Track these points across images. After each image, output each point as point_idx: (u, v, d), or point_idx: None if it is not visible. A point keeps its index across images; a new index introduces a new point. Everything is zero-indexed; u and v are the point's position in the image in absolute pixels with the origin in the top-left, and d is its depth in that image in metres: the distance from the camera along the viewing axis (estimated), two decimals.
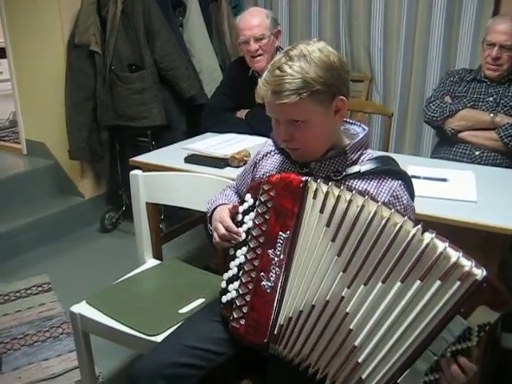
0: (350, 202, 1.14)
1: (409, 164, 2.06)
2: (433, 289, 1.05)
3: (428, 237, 1.07)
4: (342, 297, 1.14)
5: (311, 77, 1.17)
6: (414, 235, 1.07)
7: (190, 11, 3.38)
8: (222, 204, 1.47)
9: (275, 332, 1.21)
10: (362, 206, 1.12)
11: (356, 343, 1.12)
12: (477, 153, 2.47)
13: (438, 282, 1.05)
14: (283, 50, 1.25)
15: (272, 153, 1.44)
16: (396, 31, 3.38)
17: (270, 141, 1.46)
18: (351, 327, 1.13)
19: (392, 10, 3.35)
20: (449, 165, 2.21)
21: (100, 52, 3.16)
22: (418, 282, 1.06)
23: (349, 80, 1.27)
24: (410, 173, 1.94)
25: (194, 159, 2.19)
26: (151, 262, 2.03)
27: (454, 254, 1.05)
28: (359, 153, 1.31)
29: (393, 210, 1.10)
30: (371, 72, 3.57)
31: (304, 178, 1.21)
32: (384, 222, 1.09)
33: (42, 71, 3.47)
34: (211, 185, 1.82)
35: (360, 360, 1.12)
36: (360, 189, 1.27)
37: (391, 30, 3.40)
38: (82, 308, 1.73)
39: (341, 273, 1.14)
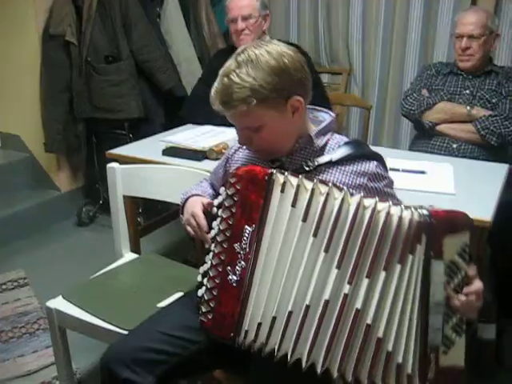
0: (327, 195, 1.12)
1: (387, 157, 2.04)
2: (406, 257, 1.08)
3: (407, 217, 1.08)
4: (346, 294, 1.11)
5: (259, 84, 1.17)
6: (400, 218, 1.08)
7: (167, 2, 3.34)
8: (196, 195, 1.45)
9: (245, 327, 1.19)
10: (342, 200, 1.11)
11: (379, 335, 1.10)
12: (454, 145, 2.49)
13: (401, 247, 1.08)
14: (234, 54, 1.24)
15: (244, 147, 1.42)
16: (374, 24, 3.39)
17: (233, 140, 1.45)
18: (368, 322, 1.10)
19: (370, 4, 3.37)
20: (427, 157, 2.23)
21: (76, 43, 3.10)
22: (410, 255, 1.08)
23: (307, 78, 1.25)
24: (388, 166, 1.97)
25: (171, 152, 2.16)
26: (129, 256, 2.01)
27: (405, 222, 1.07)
28: (325, 138, 1.31)
29: (376, 199, 1.10)
30: (350, 65, 3.58)
31: (269, 171, 1.19)
32: (370, 212, 1.09)
33: (15, 62, 3.39)
34: (189, 177, 1.80)
35: (390, 349, 1.10)
36: (335, 178, 1.27)
37: (370, 22, 3.42)
38: (58, 303, 1.70)
39: (335, 270, 1.12)
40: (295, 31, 3.72)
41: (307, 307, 1.14)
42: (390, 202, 1.10)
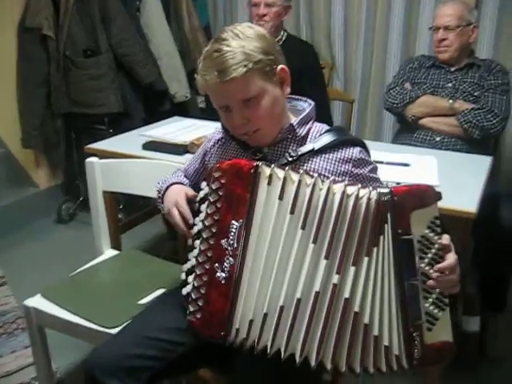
0: (313, 186, 1.11)
1: (371, 149, 2.03)
2: (378, 238, 1.10)
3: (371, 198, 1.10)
4: (335, 284, 1.11)
5: (250, 48, 1.18)
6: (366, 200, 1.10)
7: None
8: (177, 183, 1.42)
9: (236, 325, 1.17)
10: (328, 189, 1.11)
11: (366, 321, 1.11)
12: (437, 139, 2.49)
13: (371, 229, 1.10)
14: (212, 40, 1.24)
15: (223, 139, 1.39)
16: (356, 18, 3.39)
17: (219, 127, 1.41)
18: (356, 310, 1.11)
19: None
20: (410, 150, 2.22)
21: (53, 36, 3.05)
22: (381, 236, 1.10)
23: (281, 53, 1.28)
24: (372, 158, 1.96)
25: (152, 146, 2.13)
26: (109, 253, 1.96)
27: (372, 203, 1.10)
28: (307, 127, 1.30)
29: (359, 186, 1.12)
30: (332, 59, 3.57)
31: (255, 164, 1.17)
32: (353, 199, 1.10)
33: None
34: (170, 171, 1.75)
35: (376, 333, 1.11)
36: (319, 166, 1.26)
37: (351, 16, 3.41)
38: (37, 301, 1.66)
39: (324, 260, 1.11)
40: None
41: (298, 301, 1.13)
42: (359, 186, 1.12)
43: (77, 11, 3.01)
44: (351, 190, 1.11)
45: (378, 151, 2.04)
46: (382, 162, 1.91)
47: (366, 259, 1.10)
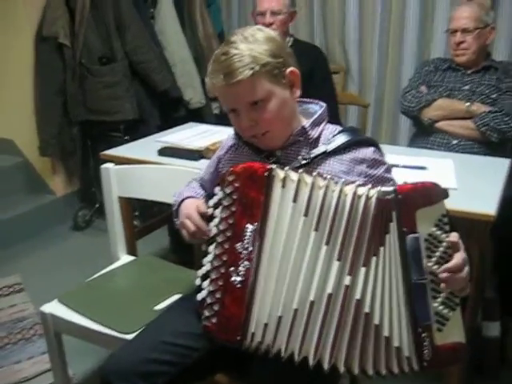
0: (326, 188, 1.11)
1: (386, 153, 2.02)
2: (384, 237, 1.09)
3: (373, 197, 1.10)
4: (347, 286, 1.10)
5: (258, 51, 1.17)
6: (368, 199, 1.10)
7: (161, 2, 3.32)
8: (190, 197, 1.42)
9: (252, 329, 1.15)
10: (340, 191, 1.11)
11: (376, 322, 1.10)
12: (454, 142, 2.46)
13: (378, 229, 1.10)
14: (225, 41, 1.23)
15: (236, 145, 1.39)
16: (371, 22, 3.37)
17: (231, 134, 1.41)
18: (367, 310, 1.10)
19: (367, 1, 3.34)
20: (427, 153, 2.20)
21: (69, 45, 3.08)
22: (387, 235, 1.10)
23: (292, 55, 1.27)
24: (388, 162, 1.94)
25: (167, 152, 2.13)
26: (125, 259, 1.97)
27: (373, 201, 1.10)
28: (320, 128, 1.29)
29: (369, 186, 1.11)
30: (346, 63, 3.56)
31: (269, 166, 1.16)
32: (364, 199, 1.10)
33: (8, 65, 3.35)
34: (186, 177, 1.75)
35: (387, 334, 1.10)
36: (333, 168, 1.25)
37: (366, 21, 3.40)
38: (54, 307, 1.66)
39: (336, 262, 1.11)
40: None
41: (312, 303, 1.12)
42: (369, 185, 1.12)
43: (92, 19, 3.04)
44: (361, 190, 1.11)
45: (395, 155, 2.02)
46: (398, 166, 1.89)
47: (374, 259, 1.10)
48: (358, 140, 1.27)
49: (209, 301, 1.21)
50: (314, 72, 2.43)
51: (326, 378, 1.23)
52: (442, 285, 1.09)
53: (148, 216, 3.01)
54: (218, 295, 1.19)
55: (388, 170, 1.30)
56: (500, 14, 2.91)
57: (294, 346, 1.13)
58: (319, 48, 2.91)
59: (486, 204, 1.61)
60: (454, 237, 1.10)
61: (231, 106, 1.23)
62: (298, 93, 1.27)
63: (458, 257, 1.10)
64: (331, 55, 3.61)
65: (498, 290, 2.04)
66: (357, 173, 1.24)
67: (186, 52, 3.40)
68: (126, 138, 3.16)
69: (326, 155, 1.26)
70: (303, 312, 1.12)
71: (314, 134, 1.28)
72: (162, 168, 1.91)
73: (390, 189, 1.10)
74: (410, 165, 1.92)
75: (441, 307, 1.11)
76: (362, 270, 1.10)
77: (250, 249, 1.15)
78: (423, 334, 1.10)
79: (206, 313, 1.21)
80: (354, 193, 1.10)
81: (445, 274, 1.08)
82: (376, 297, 1.10)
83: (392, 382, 1.94)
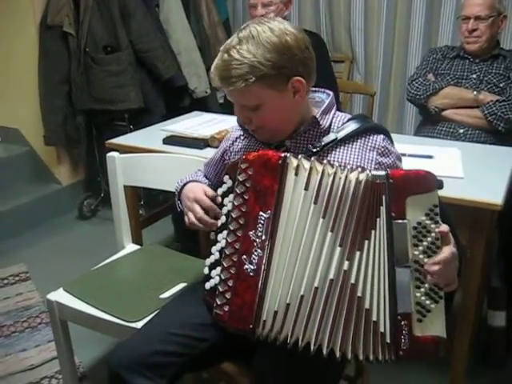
0: (334, 175, 1.12)
1: (393, 141, 2.02)
2: (375, 221, 1.10)
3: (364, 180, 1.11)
4: (345, 271, 1.11)
5: (258, 60, 1.13)
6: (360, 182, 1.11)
7: None
8: (194, 181, 1.41)
9: (263, 317, 1.15)
10: (346, 178, 1.11)
11: (367, 306, 1.11)
12: (461, 131, 2.45)
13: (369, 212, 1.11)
14: (237, 30, 1.20)
15: (242, 137, 1.39)
16: (377, 10, 3.35)
17: (236, 125, 1.40)
18: (359, 294, 1.11)
19: None
20: (434, 142, 2.19)
21: (74, 33, 3.06)
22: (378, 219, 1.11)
23: (310, 59, 1.21)
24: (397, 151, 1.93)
25: (172, 140, 2.12)
26: (131, 248, 1.97)
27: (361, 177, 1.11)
28: (330, 117, 1.28)
29: (367, 171, 1.12)
30: (352, 52, 3.54)
31: (283, 154, 1.16)
32: (363, 186, 1.11)
33: (13, 54, 3.35)
34: (191, 166, 1.75)
35: (375, 318, 1.11)
36: (344, 156, 1.24)
37: (372, 9, 3.37)
38: (59, 295, 1.67)
39: (338, 248, 1.11)
40: (296, 19, 3.66)
41: (316, 289, 1.12)
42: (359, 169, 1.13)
43: (97, 8, 3.02)
44: (362, 176, 1.11)
45: (401, 143, 1.99)
46: (405, 155, 1.87)
47: (366, 243, 1.10)
48: (367, 127, 1.27)
49: (220, 289, 1.20)
50: None
51: (330, 368, 1.24)
52: (428, 277, 1.08)
53: (153, 205, 3.01)
54: (230, 283, 1.19)
55: (399, 159, 1.29)
56: (509, 2, 2.87)
57: (299, 332, 1.13)
58: (318, 35, 2.88)
59: (493, 193, 1.60)
60: (444, 228, 1.09)
61: (230, 99, 1.25)
62: (302, 99, 1.23)
63: (447, 250, 1.09)
64: (337, 44, 3.59)
65: (504, 279, 2.04)
66: (368, 160, 1.24)
67: (191, 41, 3.38)
68: (130, 126, 3.16)
69: (337, 143, 1.25)
70: (308, 298, 1.13)
71: (324, 123, 1.27)
72: (167, 157, 1.91)
73: (382, 173, 1.10)
74: (417, 154, 1.90)
75: (423, 298, 1.10)
76: (357, 254, 1.11)
77: (264, 237, 1.15)
78: (402, 322, 1.10)
79: (218, 301, 1.20)
80: (357, 179, 1.11)
81: (432, 267, 1.08)
82: (367, 281, 1.11)
83: (398, 367, 1.96)
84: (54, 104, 3.20)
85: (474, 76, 2.47)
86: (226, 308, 1.19)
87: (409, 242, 1.09)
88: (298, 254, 1.13)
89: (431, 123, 2.55)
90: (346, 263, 1.11)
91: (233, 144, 1.40)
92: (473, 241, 1.65)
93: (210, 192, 1.30)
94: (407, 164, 1.79)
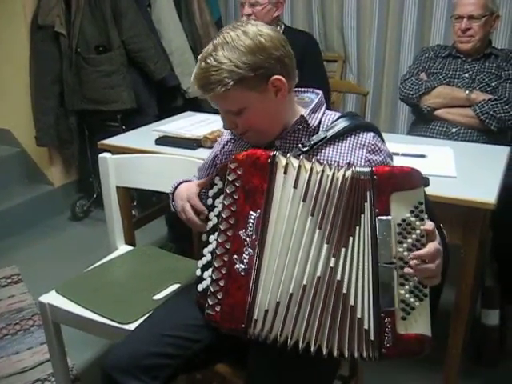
0: (322, 173, 1.12)
1: (386, 141, 2.01)
2: (359, 217, 1.11)
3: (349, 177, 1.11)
4: (331, 268, 1.11)
5: (235, 64, 1.14)
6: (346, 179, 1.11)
7: None
8: (186, 181, 1.42)
9: (255, 316, 1.15)
10: (333, 175, 1.12)
11: (351, 303, 1.11)
12: (453, 130, 2.45)
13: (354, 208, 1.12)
14: (214, 36, 1.22)
15: (232, 140, 1.40)
16: (369, 10, 3.35)
17: (223, 130, 1.41)
18: (344, 291, 1.11)
19: None
20: (426, 141, 2.19)
21: (65, 33, 3.04)
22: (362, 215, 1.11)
23: (287, 56, 1.21)
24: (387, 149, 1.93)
25: (165, 141, 2.12)
26: (123, 249, 1.96)
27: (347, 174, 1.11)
28: (319, 116, 1.29)
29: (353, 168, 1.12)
30: (345, 52, 3.54)
31: (272, 153, 1.16)
32: (348, 183, 1.11)
33: (3, 54, 3.32)
34: (183, 166, 1.75)
35: (359, 315, 1.11)
36: (334, 154, 1.25)
37: (364, 8, 3.38)
38: (52, 297, 1.65)
39: (325, 245, 1.12)
40: (288, 19, 3.67)
41: (304, 287, 1.13)
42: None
43: (88, 8, 3.01)
44: (348, 173, 1.12)
45: (394, 143, 2.00)
46: (397, 154, 1.88)
47: (351, 239, 1.11)
48: (357, 124, 1.27)
49: (212, 289, 1.20)
50: (305, 58, 2.42)
51: (324, 368, 1.24)
52: (410, 270, 1.07)
53: (146, 206, 3.00)
54: (221, 283, 1.18)
55: (390, 157, 1.30)
56: (502, 1, 2.88)
57: (288, 331, 1.13)
58: (310, 34, 2.88)
59: (486, 192, 1.60)
60: (429, 225, 1.08)
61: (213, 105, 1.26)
62: (284, 98, 1.23)
63: (431, 246, 1.08)
64: (329, 43, 3.59)
65: (498, 278, 2.04)
66: (358, 158, 1.24)
67: (184, 41, 3.37)
68: (123, 127, 3.14)
69: (326, 141, 1.26)
70: (297, 296, 1.13)
71: (313, 122, 1.27)
72: (160, 157, 1.90)
73: (367, 169, 1.11)
74: (410, 153, 1.91)
75: (407, 295, 1.10)
76: (343, 250, 1.11)
77: (254, 236, 1.15)
78: (386, 320, 1.09)
79: (210, 301, 1.20)
80: (343, 176, 1.11)
81: (414, 261, 1.07)
82: (352, 278, 1.11)
83: (392, 367, 1.96)
84: (45, 104, 3.18)
85: (467, 75, 2.47)
86: (218, 308, 1.19)
87: (393, 238, 1.08)
88: (288, 252, 1.13)
89: (424, 122, 2.55)
90: (333, 260, 1.11)
91: (224, 147, 1.41)
92: (466, 240, 1.65)
93: (201, 182, 1.32)
94: (400, 163, 1.79)
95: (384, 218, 1.09)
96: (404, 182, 1.09)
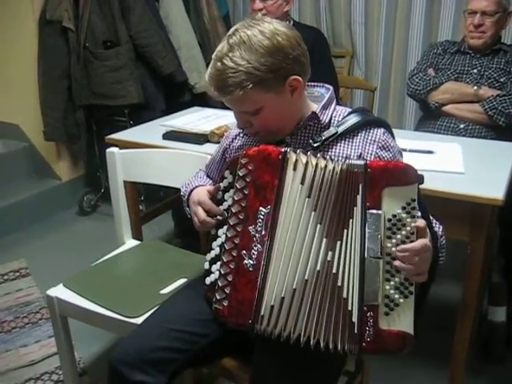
0: (325, 167, 1.12)
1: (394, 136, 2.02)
2: (353, 210, 1.11)
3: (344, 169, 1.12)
4: (329, 261, 1.12)
5: (253, 66, 1.12)
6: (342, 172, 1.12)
7: None
8: (199, 186, 1.41)
9: (261, 312, 1.16)
10: (333, 169, 1.12)
11: (344, 295, 1.11)
12: (461, 126, 2.44)
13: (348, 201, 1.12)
14: (225, 36, 1.18)
15: (241, 134, 1.39)
16: (377, 5, 3.33)
17: (235, 123, 1.39)
18: (339, 284, 1.11)
19: None
20: (434, 137, 2.18)
21: (73, 28, 3.05)
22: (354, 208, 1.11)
23: (303, 55, 1.21)
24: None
25: (172, 136, 2.12)
26: (131, 243, 1.96)
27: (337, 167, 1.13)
28: (330, 112, 1.28)
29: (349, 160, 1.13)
30: (352, 47, 3.53)
31: (283, 150, 1.16)
32: (343, 175, 1.11)
33: (12, 49, 3.34)
34: (190, 161, 1.76)
35: (350, 308, 1.11)
36: (344, 150, 1.25)
37: (372, 4, 3.36)
38: (59, 291, 1.66)
39: (325, 239, 1.12)
40: (296, 14, 3.65)
41: (305, 282, 1.13)
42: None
43: (96, 2, 3.01)
44: (344, 166, 1.12)
45: (402, 139, 1.99)
46: (405, 150, 1.86)
47: (345, 232, 1.11)
48: (368, 120, 1.27)
49: (220, 284, 1.20)
50: (313, 53, 2.40)
51: (329, 363, 1.24)
52: (396, 262, 1.07)
53: (153, 200, 3.01)
54: (229, 278, 1.19)
55: (400, 153, 1.29)
56: None
57: (291, 325, 1.14)
58: (319, 30, 2.88)
59: (494, 188, 1.59)
60: (420, 223, 1.08)
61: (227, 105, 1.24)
62: (301, 95, 1.24)
63: (420, 242, 1.07)
64: (337, 39, 3.58)
65: (505, 274, 2.04)
66: (368, 153, 1.24)
67: (191, 36, 3.36)
68: (131, 122, 3.15)
69: (337, 137, 1.25)
70: (300, 291, 1.13)
71: (325, 118, 1.27)
72: (167, 152, 1.90)
73: (361, 162, 1.10)
74: (417, 149, 1.90)
75: (392, 291, 1.09)
76: (338, 243, 1.12)
77: (263, 232, 1.16)
78: (368, 314, 1.09)
79: (217, 296, 1.21)
80: (341, 169, 1.12)
81: (400, 253, 1.06)
82: (345, 271, 1.11)
83: (398, 362, 1.96)
84: (53, 99, 3.19)
85: (475, 71, 2.46)
86: (226, 303, 1.19)
87: (382, 233, 1.08)
88: (294, 248, 1.14)
89: (431, 118, 2.54)
90: (330, 254, 1.12)
91: (232, 141, 1.41)
92: (473, 236, 1.64)
93: (212, 189, 1.30)
94: (407, 159, 1.79)
95: (374, 211, 1.09)
96: (398, 178, 1.09)
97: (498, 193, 1.56)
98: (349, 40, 3.53)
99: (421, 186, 1.58)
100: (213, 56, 1.19)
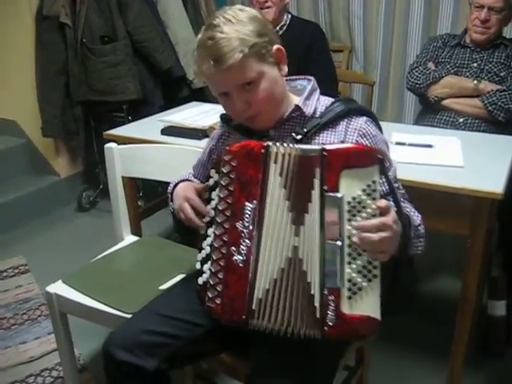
0: (294, 155, 1.13)
1: (393, 131, 2.01)
2: (311, 194, 1.11)
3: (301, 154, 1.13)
4: (296, 246, 1.12)
5: (244, 33, 1.15)
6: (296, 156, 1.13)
7: None
8: (186, 180, 1.40)
9: (253, 307, 1.16)
10: (294, 155, 1.12)
11: (308, 279, 1.11)
12: (461, 120, 2.43)
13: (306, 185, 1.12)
14: (204, 25, 1.20)
15: (226, 133, 1.39)
16: None
17: (219, 123, 1.41)
18: (304, 269, 1.12)
19: None
20: (433, 131, 2.18)
21: (70, 24, 3.03)
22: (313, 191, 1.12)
23: (275, 32, 1.26)
24: (394, 140, 1.92)
25: (170, 131, 2.11)
26: (130, 239, 1.96)
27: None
28: (313, 103, 1.28)
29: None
30: (351, 41, 3.52)
31: (265, 143, 1.16)
32: (303, 161, 1.12)
33: (9, 45, 3.32)
34: (189, 156, 1.74)
35: (312, 292, 1.11)
36: (327, 140, 1.25)
37: None
38: (58, 287, 1.66)
39: (293, 226, 1.13)
40: (294, 8, 3.64)
41: (282, 270, 1.14)
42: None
43: None
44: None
45: (401, 133, 2.00)
46: (404, 144, 1.88)
47: (306, 216, 1.11)
48: (350, 108, 1.26)
49: (211, 282, 1.20)
50: (312, 47, 2.40)
51: (325, 355, 1.23)
52: (354, 238, 1.05)
53: (152, 196, 3.00)
54: (220, 276, 1.19)
55: (384, 143, 1.28)
56: None
57: (276, 315, 1.14)
58: (317, 24, 2.86)
59: (493, 182, 1.59)
60: (382, 202, 1.05)
61: (222, 90, 1.22)
62: (286, 69, 1.25)
63: (380, 219, 1.04)
64: (336, 33, 3.57)
65: (505, 268, 2.03)
66: (349, 142, 1.23)
67: (189, 31, 3.35)
68: (129, 118, 3.14)
69: (320, 128, 1.25)
70: (279, 281, 1.14)
71: (308, 109, 1.27)
72: (166, 147, 1.90)
73: (318, 147, 1.11)
74: (417, 143, 1.90)
75: (354, 274, 1.08)
76: (301, 228, 1.12)
77: (251, 227, 1.15)
78: (329, 297, 1.09)
79: (210, 294, 1.20)
80: (299, 155, 1.12)
81: (357, 230, 1.05)
82: (309, 255, 1.11)
83: (397, 357, 1.96)
84: (51, 95, 3.18)
85: (475, 65, 2.45)
86: (218, 301, 1.19)
87: (342, 216, 1.07)
88: (278, 239, 1.14)
89: (431, 112, 2.54)
90: (296, 239, 1.12)
91: (218, 142, 1.41)
92: (473, 230, 1.64)
93: (200, 187, 1.28)
94: (407, 153, 1.80)
95: (332, 194, 1.08)
96: (355, 160, 1.07)
97: (497, 186, 1.56)
98: (347, 34, 3.52)
99: (420, 180, 1.60)
100: (197, 43, 1.19)
